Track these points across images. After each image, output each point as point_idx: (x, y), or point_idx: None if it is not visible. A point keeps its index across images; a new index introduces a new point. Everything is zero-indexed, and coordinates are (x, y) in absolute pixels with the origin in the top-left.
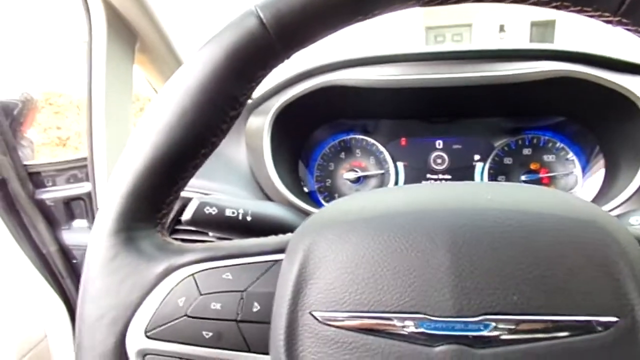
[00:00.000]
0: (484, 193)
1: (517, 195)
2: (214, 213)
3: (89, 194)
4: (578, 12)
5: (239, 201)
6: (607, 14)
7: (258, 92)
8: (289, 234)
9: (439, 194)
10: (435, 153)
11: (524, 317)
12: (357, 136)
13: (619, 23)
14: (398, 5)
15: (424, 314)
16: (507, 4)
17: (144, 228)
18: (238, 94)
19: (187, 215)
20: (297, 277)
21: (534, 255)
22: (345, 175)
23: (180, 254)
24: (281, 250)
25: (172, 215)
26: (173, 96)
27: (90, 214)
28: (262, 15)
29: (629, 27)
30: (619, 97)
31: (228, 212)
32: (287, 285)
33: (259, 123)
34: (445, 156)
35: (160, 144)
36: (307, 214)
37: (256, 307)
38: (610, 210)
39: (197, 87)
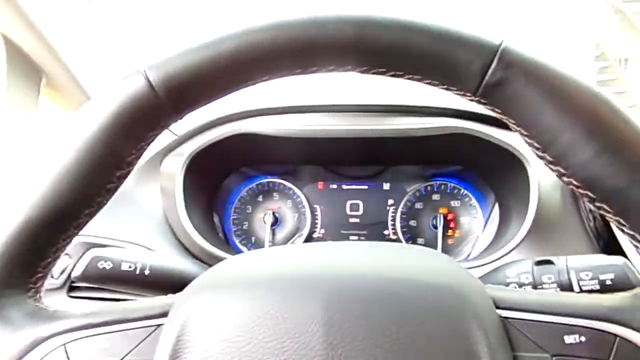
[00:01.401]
0: (357, 258)
1: (388, 260)
2: (108, 268)
3: None
4: (445, 89)
5: (138, 254)
6: (468, 94)
7: (174, 134)
8: (175, 296)
9: (316, 259)
10: (351, 197)
11: None
12: (274, 180)
13: (479, 102)
14: (284, 73)
15: None
16: (388, 76)
17: (13, 294)
18: (125, 154)
19: (77, 272)
20: (174, 344)
21: (399, 323)
22: (262, 218)
23: (52, 322)
24: (164, 314)
25: (69, 269)
26: (56, 155)
27: None
28: (150, 77)
29: (487, 106)
30: (508, 153)
31: (124, 267)
32: (164, 354)
33: (173, 167)
34: (361, 200)
35: (37, 205)
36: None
37: None
38: (502, 257)
39: (82, 146)
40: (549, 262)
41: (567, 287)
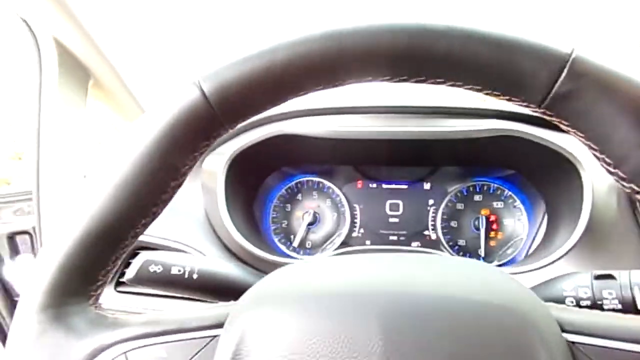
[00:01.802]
0: (415, 273)
1: (449, 277)
2: (159, 271)
3: (35, 229)
4: (508, 100)
5: (186, 257)
6: (533, 105)
7: None
8: (230, 305)
9: (374, 273)
10: (391, 196)
11: None
12: (313, 178)
13: (544, 114)
14: (337, 83)
15: None
16: (447, 86)
17: (76, 303)
18: (180, 165)
19: (130, 274)
20: (232, 358)
21: (461, 344)
22: (302, 217)
23: (113, 330)
24: (220, 325)
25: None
26: (114, 168)
27: (35, 250)
28: (204, 88)
29: (552, 118)
30: (559, 156)
31: (174, 270)
32: None
33: (215, 165)
34: (400, 200)
35: (97, 216)
36: (260, 260)
37: None
38: (551, 264)
39: (138, 160)
40: (609, 276)
41: (629, 304)
